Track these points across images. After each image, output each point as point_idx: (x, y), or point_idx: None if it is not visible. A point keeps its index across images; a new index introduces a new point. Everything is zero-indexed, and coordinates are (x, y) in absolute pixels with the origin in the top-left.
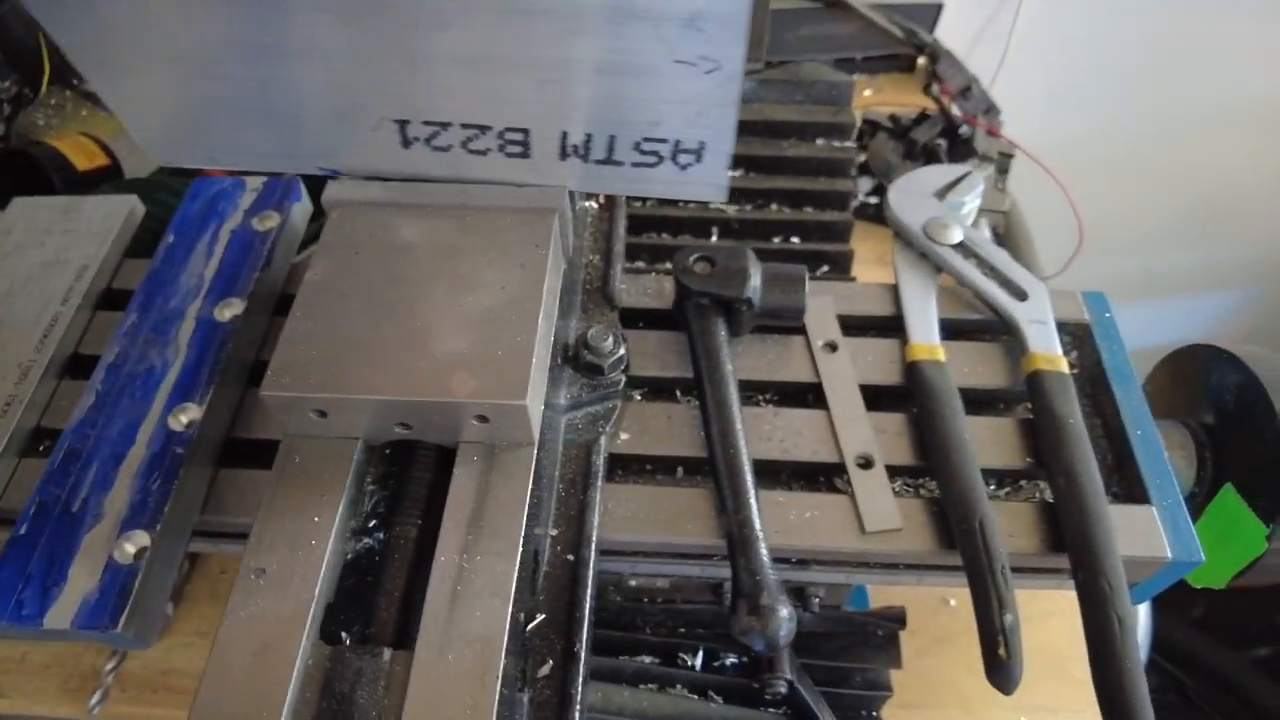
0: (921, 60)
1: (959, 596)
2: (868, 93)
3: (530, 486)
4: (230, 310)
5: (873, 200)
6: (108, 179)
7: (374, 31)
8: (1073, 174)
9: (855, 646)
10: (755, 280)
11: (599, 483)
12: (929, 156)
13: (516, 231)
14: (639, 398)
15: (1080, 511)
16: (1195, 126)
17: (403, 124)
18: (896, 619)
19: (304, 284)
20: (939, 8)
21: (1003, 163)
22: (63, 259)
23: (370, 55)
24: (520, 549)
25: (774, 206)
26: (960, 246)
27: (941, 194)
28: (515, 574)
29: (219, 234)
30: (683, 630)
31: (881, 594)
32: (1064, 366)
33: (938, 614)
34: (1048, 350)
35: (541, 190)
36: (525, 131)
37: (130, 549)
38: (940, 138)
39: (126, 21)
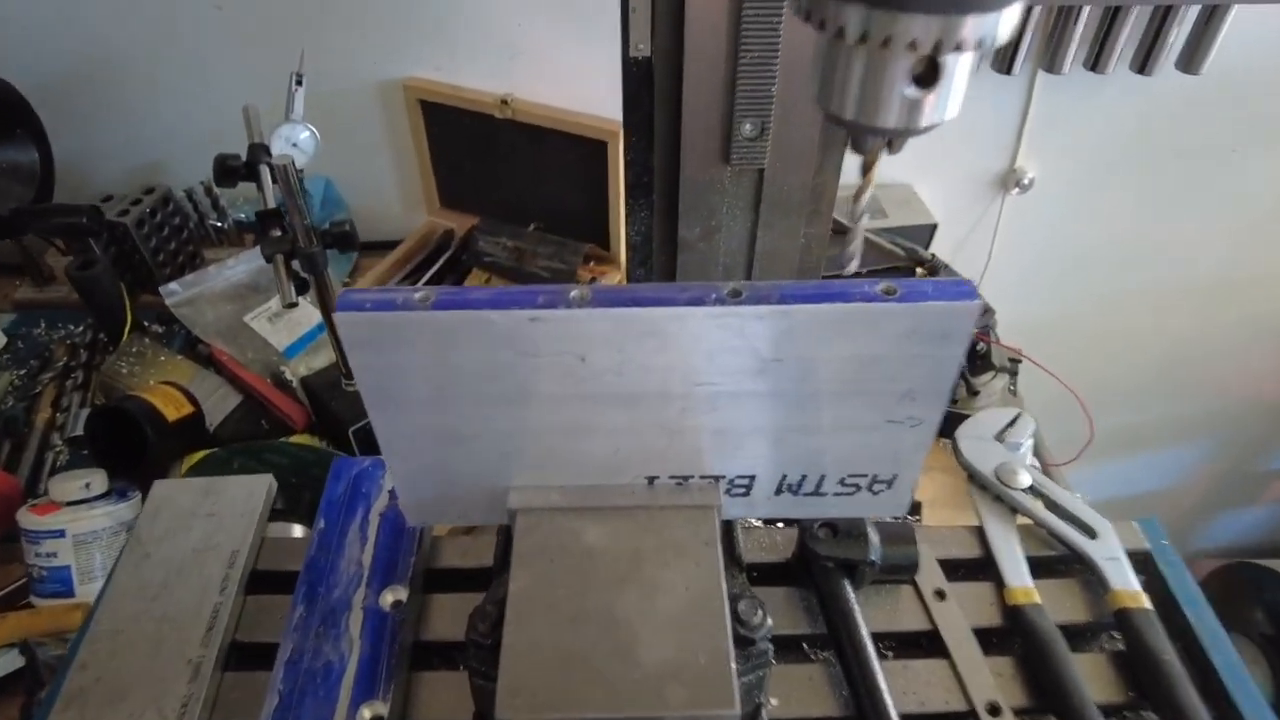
0: (920, 271)
1: None
2: None
3: None
4: (394, 596)
5: None
6: (194, 426)
7: (656, 417)
8: (1048, 348)
9: None
10: (876, 541)
11: None
12: None
13: (685, 529)
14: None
15: None
16: (1150, 304)
17: (651, 479)
18: None
19: (511, 596)
20: (934, 227)
21: (1012, 368)
22: (213, 544)
23: (640, 431)
24: None
25: None
26: (1030, 489)
27: (1000, 436)
28: None
29: (369, 518)
30: None
31: None
32: (1146, 602)
33: None
34: (1128, 587)
35: (701, 488)
36: (751, 478)
37: None
38: None
39: (437, 422)
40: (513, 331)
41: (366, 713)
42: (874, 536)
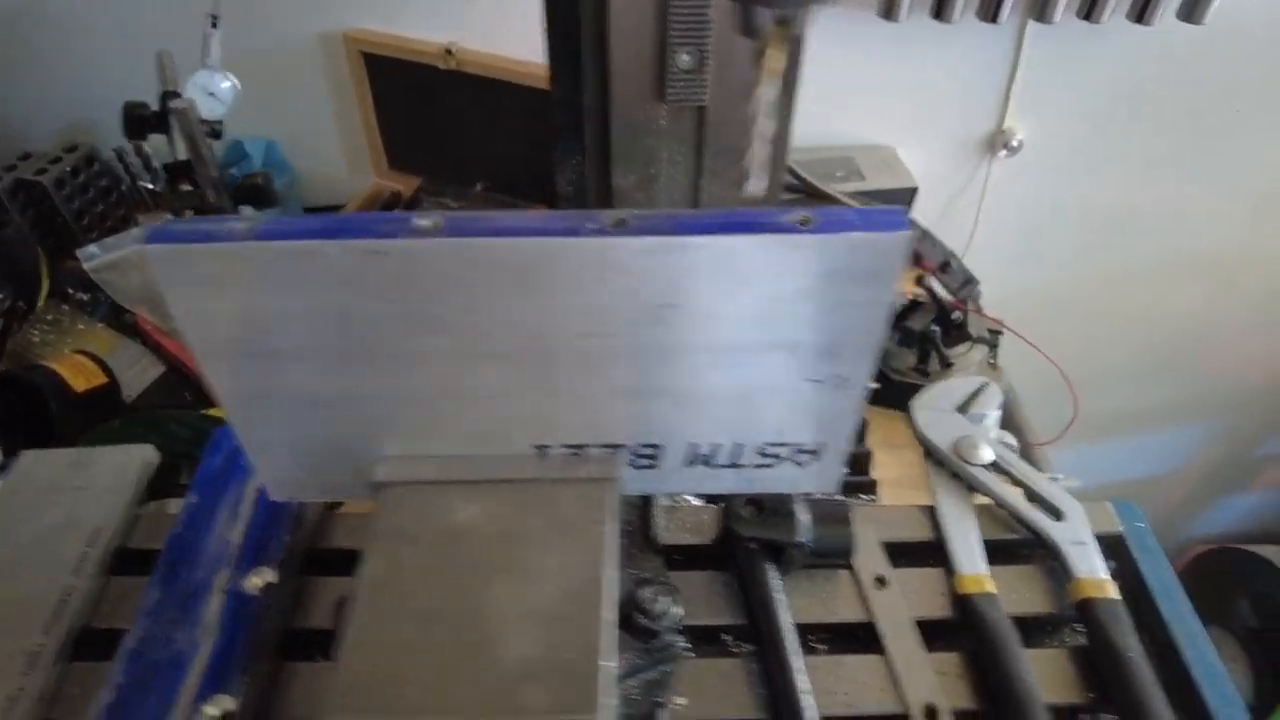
0: None
1: None
2: None
3: None
4: (261, 579)
5: (874, 385)
6: (106, 398)
7: (538, 375)
8: (1038, 322)
9: None
10: (806, 521)
11: None
12: (924, 342)
13: (574, 506)
14: (689, 650)
15: None
16: (1149, 278)
17: (543, 448)
18: None
19: (360, 581)
20: (914, 190)
21: (992, 339)
22: (75, 520)
23: (520, 393)
24: None
25: None
26: (992, 466)
27: (963, 408)
28: None
29: (244, 493)
30: None
31: None
32: (1113, 591)
33: None
34: (1094, 575)
35: (599, 459)
36: (657, 447)
37: None
38: (934, 324)
39: (278, 381)
40: (348, 267)
41: (212, 709)
42: (803, 516)
